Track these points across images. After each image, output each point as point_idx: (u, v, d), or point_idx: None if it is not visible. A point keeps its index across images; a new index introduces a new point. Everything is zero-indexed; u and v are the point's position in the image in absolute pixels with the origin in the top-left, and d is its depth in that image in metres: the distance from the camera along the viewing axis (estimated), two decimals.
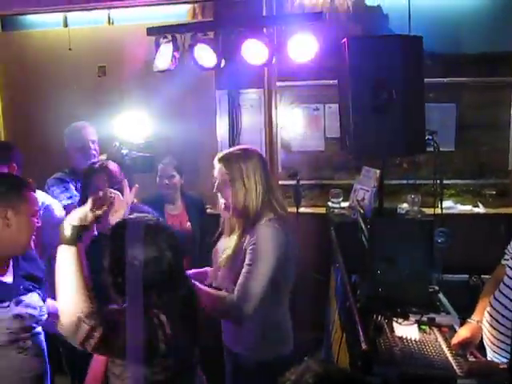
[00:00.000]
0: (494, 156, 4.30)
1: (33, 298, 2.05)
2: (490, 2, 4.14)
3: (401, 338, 2.37)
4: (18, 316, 1.96)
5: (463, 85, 4.13)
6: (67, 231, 1.80)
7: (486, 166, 4.14)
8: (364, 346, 1.92)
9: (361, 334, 2.00)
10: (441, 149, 3.40)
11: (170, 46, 3.74)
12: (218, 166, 2.40)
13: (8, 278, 2.03)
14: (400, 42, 2.94)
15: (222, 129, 4.34)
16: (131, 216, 1.95)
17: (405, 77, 2.91)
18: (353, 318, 2.20)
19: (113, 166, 2.90)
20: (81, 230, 1.83)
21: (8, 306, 1.95)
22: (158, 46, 3.82)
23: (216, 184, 2.41)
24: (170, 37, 3.75)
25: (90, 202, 1.90)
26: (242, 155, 2.38)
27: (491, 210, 4.22)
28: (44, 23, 4.81)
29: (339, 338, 2.62)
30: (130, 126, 2.89)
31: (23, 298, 2.00)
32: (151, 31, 3.82)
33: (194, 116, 4.36)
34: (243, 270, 2.30)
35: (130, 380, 1.78)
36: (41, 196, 2.86)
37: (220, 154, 2.42)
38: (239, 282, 2.29)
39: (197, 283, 2.26)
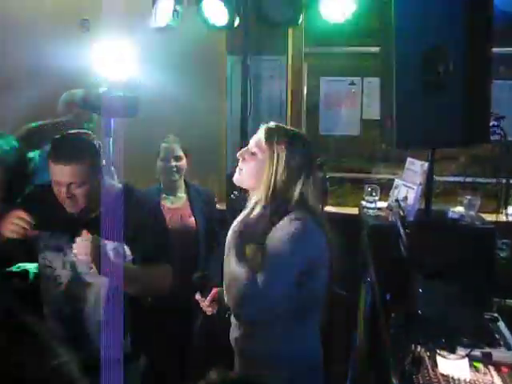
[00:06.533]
0: None
1: None
2: None
3: (446, 376, 2.38)
4: None
5: None
6: None
7: None
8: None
9: (392, 368, 1.98)
10: (509, 138, 3.38)
11: None
12: (264, 137, 2.40)
13: None
14: None
15: (233, 104, 4.32)
16: None
17: (467, 45, 2.91)
18: (383, 348, 2.18)
19: None
20: None
21: None
22: None
23: (257, 156, 2.41)
24: None
25: None
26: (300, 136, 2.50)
27: None
28: None
29: (366, 371, 2.61)
30: (111, 60, 2.81)
31: None
32: None
33: (199, 87, 4.30)
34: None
35: None
36: None
37: (272, 126, 2.44)
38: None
39: None
